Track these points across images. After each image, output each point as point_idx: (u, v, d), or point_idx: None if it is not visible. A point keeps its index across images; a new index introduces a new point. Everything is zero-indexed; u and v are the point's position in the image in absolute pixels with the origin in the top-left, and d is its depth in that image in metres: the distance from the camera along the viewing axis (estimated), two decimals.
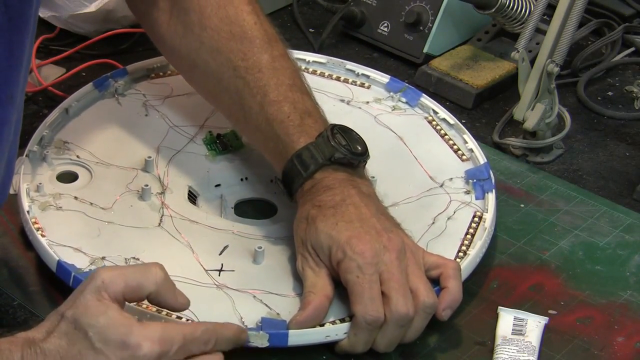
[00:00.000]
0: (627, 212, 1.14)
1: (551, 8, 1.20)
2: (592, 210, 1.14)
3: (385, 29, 1.40)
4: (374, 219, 0.98)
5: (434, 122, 1.20)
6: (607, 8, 1.46)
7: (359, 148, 1.02)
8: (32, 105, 1.26)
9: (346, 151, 1.01)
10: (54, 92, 1.26)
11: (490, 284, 1.05)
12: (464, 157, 1.16)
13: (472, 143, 1.16)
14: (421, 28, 1.37)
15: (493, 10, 1.30)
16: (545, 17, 1.23)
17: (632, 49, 1.44)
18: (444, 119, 1.20)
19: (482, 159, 1.14)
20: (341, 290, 0.97)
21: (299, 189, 1.01)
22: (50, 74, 1.30)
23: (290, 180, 1.02)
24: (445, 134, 1.19)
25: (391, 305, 0.93)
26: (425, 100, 1.22)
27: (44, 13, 1.38)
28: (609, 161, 1.24)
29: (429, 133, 1.19)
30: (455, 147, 1.17)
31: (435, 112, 1.21)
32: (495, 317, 1.00)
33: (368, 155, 1.03)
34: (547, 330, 0.99)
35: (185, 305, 0.89)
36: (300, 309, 0.95)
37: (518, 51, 1.18)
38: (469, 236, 1.06)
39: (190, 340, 0.85)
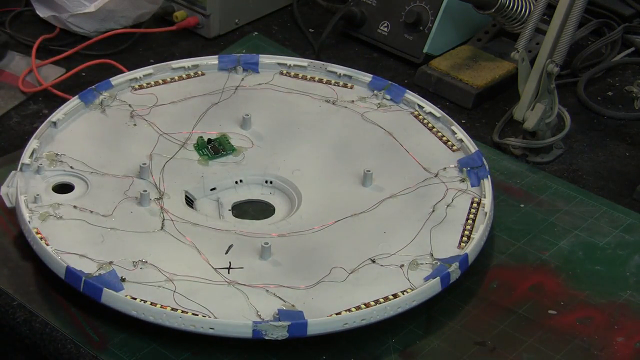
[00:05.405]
0: (627, 212, 1.14)
1: (551, 8, 1.20)
2: (592, 210, 1.14)
3: (385, 29, 1.40)
4: None
5: (420, 117, 1.21)
6: (607, 8, 1.46)
7: None
8: (32, 105, 1.26)
9: None
10: (53, 92, 1.26)
11: (490, 284, 1.05)
12: (454, 147, 1.17)
13: (461, 133, 1.18)
14: (421, 28, 1.37)
15: (493, 10, 1.30)
16: (545, 17, 1.23)
17: (632, 49, 1.43)
18: (430, 113, 1.21)
19: (472, 147, 1.15)
20: (358, 277, 0.98)
21: None
22: (50, 74, 1.30)
23: None
24: (433, 127, 1.20)
25: None
26: (410, 95, 1.23)
27: (44, 13, 1.38)
28: (609, 161, 1.24)
29: (417, 127, 1.20)
30: (444, 138, 1.18)
31: (421, 107, 1.22)
32: (495, 317, 1.00)
33: None
34: (547, 330, 0.99)
35: None
36: None
37: (518, 51, 1.18)
38: (470, 221, 1.07)
39: None
